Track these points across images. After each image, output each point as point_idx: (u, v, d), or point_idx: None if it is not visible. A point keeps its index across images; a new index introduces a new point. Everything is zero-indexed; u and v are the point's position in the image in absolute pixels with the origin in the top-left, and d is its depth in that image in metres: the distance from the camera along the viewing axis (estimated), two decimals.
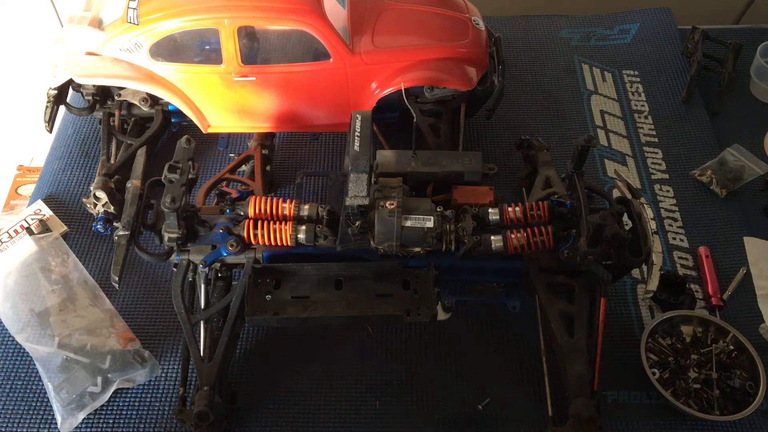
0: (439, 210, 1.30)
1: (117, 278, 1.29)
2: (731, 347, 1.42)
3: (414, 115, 1.56)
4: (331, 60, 1.57)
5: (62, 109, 1.74)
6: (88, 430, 1.36)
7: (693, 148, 1.87)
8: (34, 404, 1.39)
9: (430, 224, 1.27)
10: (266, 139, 1.70)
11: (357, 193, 1.22)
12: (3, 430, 1.36)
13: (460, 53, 1.62)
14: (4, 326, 1.48)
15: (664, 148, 1.87)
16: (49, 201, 1.71)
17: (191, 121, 1.68)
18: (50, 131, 1.71)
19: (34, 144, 2.20)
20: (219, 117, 1.69)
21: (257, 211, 1.33)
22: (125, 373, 1.40)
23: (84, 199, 1.62)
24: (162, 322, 1.50)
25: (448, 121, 1.66)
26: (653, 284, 1.29)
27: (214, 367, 1.27)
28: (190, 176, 1.27)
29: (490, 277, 1.40)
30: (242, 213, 1.34)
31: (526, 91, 2.00)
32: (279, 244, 1.31)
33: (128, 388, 1.41)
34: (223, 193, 1.52)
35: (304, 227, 1.31)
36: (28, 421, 1.37)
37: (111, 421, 1.37)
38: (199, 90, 1.62)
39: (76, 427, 1.36)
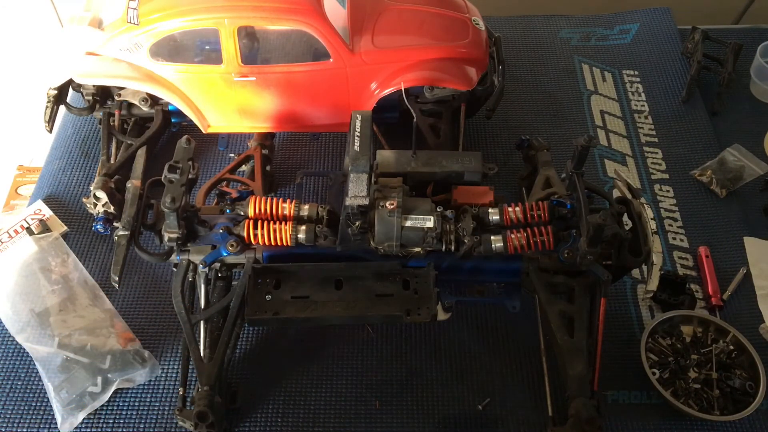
0: (439, 210, 1.30)
1: (117, 278, 1.30)
2: (731, 347, 1.42)
3: (414, 115, 1.55)
4: (331, 60, 1.57)
5: (62, 109, 1.74)
6: (88, 430, 1.36)
7: (693, 148, 1.87)
8: (34, 404, 1.39)
9: (430, 224, 1.27)
10: (266, 139, 1.70)
11: (357, 193, 1.22)
12: (3, 430, 1.36)
13: (460, 53, 1.62)
14: (4, 326, 1.48)
15: (664, 148, 1.87)
16: (49, 201, 1.71)
17: (191, 121, 1.68)
18: (50, 131, 1.71)
19: (34, 144, 2.20)
20: (219, 117, 1.69)
21: (257, 211, 1.33)
22: (125, 373, 1.40)
23: (84, 199, 1.62)
24: (162, 322, 1.50)
25: (448, 121, 1.66)
26: (653, 284, 1.30)
27: (214, 367, 1.27)
28: (190, 176, 1.27)
29: (490, 277, 1.40)
30: (242, 213, 1.34)
31: (526, 91, 2.00)
32: (279, 244, 1.31)
33: (128, 388, 1.41)
34: (223, 193, 1.52)
35: (304, 227, 1.31)
36: (28, 421, 1.37)
37: (111, 421, 1.37)
38: (199, 90, 1.62)
39: (76, 427, 1.36)
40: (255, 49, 1.60)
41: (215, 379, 1.26)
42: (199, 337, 1.33)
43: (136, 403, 1.40)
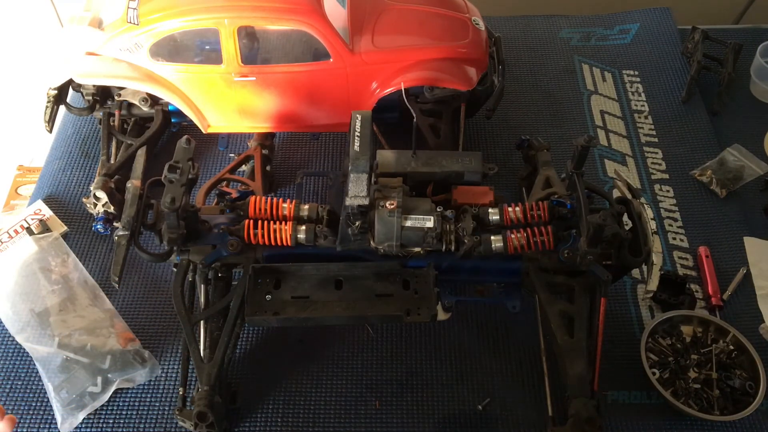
0: (439, 210, 1.30)
1: (117, 278, 1.29)
2: (731, 347, 1.42)
3: (414, 115, 1.55)
4: (331, 60, 1.57)
5: (62, 109, 1.74)
6: (88, 430, 1.36)
7: (693, 148, 1.87)
8: (34, 404, 1.39)
9: (430, 224, 1.27)
10: (266, 139, 1.70)
11: (357, 193, 1.22)
12: None
13: (460, 53, 1.62)
14: (4, 326, 1.48)
15: (664, 148, 1.87)
16: (49, 201, 1.71)
17: (191, 121, 1.68)
18: (50, 131, 1.71)
19: (34, 144, 2.20)
20: (219, 117, 1.69)
21: (257, 211, 1.33)
22: (125, 373, 1.40)
23: (84, 199, 1.62)
24: (162, 322, 1.51)
25: (448, 121, 1.66)
26: (653, 284, 1.30)
27: (214, 367, 1.27)
28: (190, 176, 1.27)
29: (490, 277, 1.40)
30: (242, 213, 1.34)
31: (526, 91, 2.00)
32: (279, 244, 1.31)
33: (128, 388, 1.41)
34: (223, 193, 1.52)
35: (304, 227, 1.31)
36: (28, 421, 1.37)
37: (111, 421, 1.37)
38: (199, 90, 1.62)
39: (76, 427, 1.36)
40: (255, 49, 1.60)
41: (215, 379, 1.26)
42: (199, 337, 1.33)
43: (136, 403, 1.40)
